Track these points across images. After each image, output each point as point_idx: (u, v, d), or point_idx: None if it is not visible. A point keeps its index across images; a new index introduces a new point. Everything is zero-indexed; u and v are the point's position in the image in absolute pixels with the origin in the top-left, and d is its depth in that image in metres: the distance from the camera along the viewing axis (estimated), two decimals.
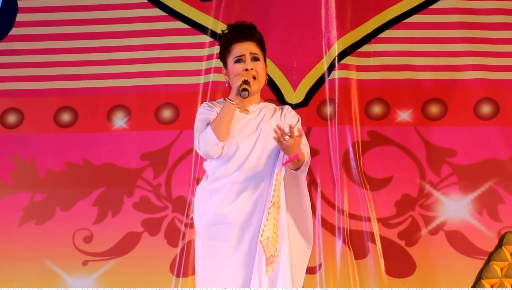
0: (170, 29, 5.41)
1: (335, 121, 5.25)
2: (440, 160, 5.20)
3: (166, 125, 5.35)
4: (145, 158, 5.33)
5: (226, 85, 3.78)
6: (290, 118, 3.75)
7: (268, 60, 3.84)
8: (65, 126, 5.40)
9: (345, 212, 5.17)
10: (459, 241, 5.11)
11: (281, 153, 3.60)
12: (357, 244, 5.14)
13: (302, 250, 3.68)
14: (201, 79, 5.35)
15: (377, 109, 5.29)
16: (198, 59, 5.37)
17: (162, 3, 5.43)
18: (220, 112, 3.64)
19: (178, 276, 5.15)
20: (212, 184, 3.67)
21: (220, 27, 5.26)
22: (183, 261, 5.15)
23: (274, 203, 3.53)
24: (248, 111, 3.74)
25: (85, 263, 5.24)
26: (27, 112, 5.43)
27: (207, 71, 5.34)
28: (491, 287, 4.22)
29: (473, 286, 4.26)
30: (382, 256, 5.11)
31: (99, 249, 5.25)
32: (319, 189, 5.21)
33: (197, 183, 4.78)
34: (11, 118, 5.44)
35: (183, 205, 5.24)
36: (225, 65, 3.78)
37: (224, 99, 3.70)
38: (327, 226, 5.16)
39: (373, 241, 5.13)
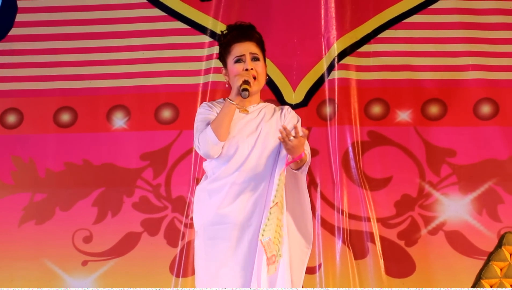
0: (170, 29, 5.41)
1: (334, 121, 5.25)
2: (439, 160, 5.20)
3: (165, 125, 5.35)
4: (145, 158, 5.33)
5: (226, 85, 3.78)
6: (290, 118, 3.75)
7: (267, 60, 3.84)
8: (64, 126, 5.40)
9: (344, 212, 5.17)
10: (458, 241, 5.11)
11: (282, 153, 3.60)
12: (357, 244, 5.14)
13: (301, 250, 3.68)
14: (200, 79, 5.35)
15: (376, 109, 5.29)
16: (198, 59, 5.37)
17: (161, 3, 5.43)
18: (220, 112, 3.64)
19: (177, 276, 5.15)
20: (212, 184, 3.67)
21: (219, 27, 5.26)
22: (182, 261, 5.15)
23: (276, 203, 3.52)
24: (247, 111, 3.74)
25: (84, 263, 5.24)
26: (26, 112, 5.43)
27: (207, 71, 5.34)
28: (491, 287, 4.22)
29: (473, 286, 4.26)
30: (382, 256, 5.11)
31: (98, 249, 5.25)
32: (318, 189, 5.21)
33: (197, 183, 4.78)
34: (11, 118, 5.44)
35: (182, 205, 5.24)
36: (225, 65, 3.78)
37: (224, 99, 3.70)
38: (327, 226, 5.17)
39: (373, 241, 5.13)
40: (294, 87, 5.32)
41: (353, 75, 5.29)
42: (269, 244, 3.47)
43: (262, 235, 3.47)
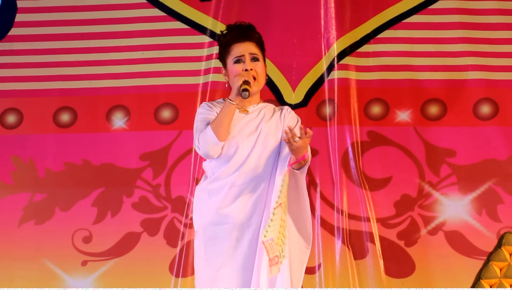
0: (169, 29, 5.41)
1: (334, 121, 5.25)
2: (439, 160, 5.20)
3: (165, 125, 5.35)
4: (145, 158, 5.33)
5: (226, 86, 3.77)
6: (289, 118, 3.74)
7: (267, 60, 3.83)
8: (64, 126, 5.40)
9: (344, 212, 5.17)
10: (458, 241, 5.11)
11: (283, 153, 3.60)
12: (356, 244, 5.14)
13: (301, 250, 3.68)
14: (200, 79, 5.35)
15: (376, 109, 5.29)
16: (197, 59, 5.37)
17: (161, 3, 5.43)
18: (220, 112, 3.64)
19: (177, 276, 5.15)
20: (212, 184, 3.67)
21: (219, 27, 5.26)
22: (182, 261, 5.15)
23: (280, 203, 3.52)
24: (247, 111, 3.74)
25: (84, 263, 5.24)
26: (26, 112, 5.43)
27: (206, 71, 5.34)
28: (490, 287, 4.22)
29: (472, 286, 4.26)
30: (381, 256, 5.11)
31: (98, 249, 5.25)
32: (318, 189, 5.21)
33: (197, 183, 4.78)
34: (11, 118, 5.44)
35: (182, 205, 5.24)
36: (225, 65, 3.78)
37: (224, 99, 3.70)
38: (327, 226, 5.17)
39: (372, 241, 5.13)
40: (293, 87, 5.32)
41: (352, 75, 5.29)
42: (271, 245, 3.46)
43: (265, 235, 3.47)
